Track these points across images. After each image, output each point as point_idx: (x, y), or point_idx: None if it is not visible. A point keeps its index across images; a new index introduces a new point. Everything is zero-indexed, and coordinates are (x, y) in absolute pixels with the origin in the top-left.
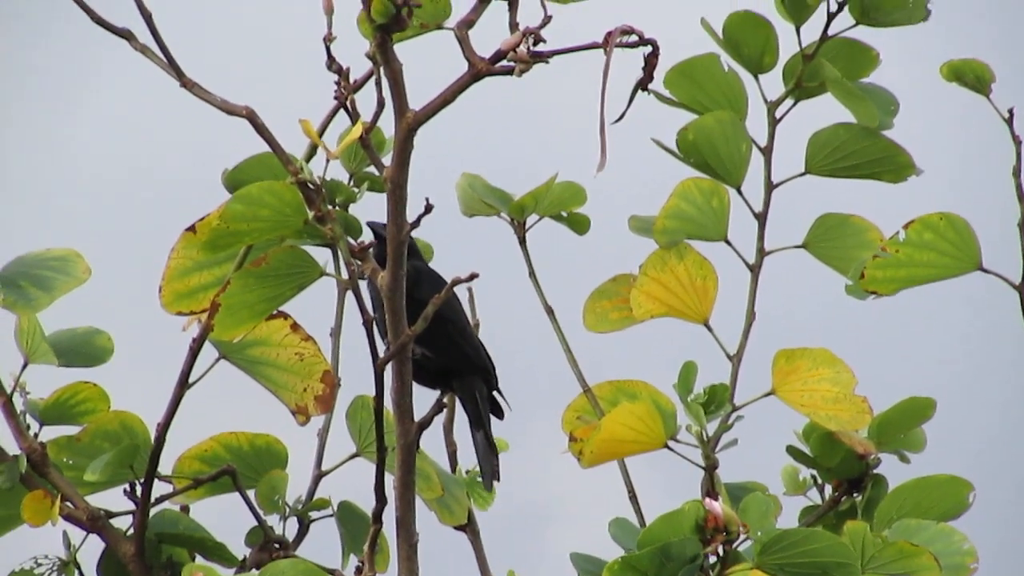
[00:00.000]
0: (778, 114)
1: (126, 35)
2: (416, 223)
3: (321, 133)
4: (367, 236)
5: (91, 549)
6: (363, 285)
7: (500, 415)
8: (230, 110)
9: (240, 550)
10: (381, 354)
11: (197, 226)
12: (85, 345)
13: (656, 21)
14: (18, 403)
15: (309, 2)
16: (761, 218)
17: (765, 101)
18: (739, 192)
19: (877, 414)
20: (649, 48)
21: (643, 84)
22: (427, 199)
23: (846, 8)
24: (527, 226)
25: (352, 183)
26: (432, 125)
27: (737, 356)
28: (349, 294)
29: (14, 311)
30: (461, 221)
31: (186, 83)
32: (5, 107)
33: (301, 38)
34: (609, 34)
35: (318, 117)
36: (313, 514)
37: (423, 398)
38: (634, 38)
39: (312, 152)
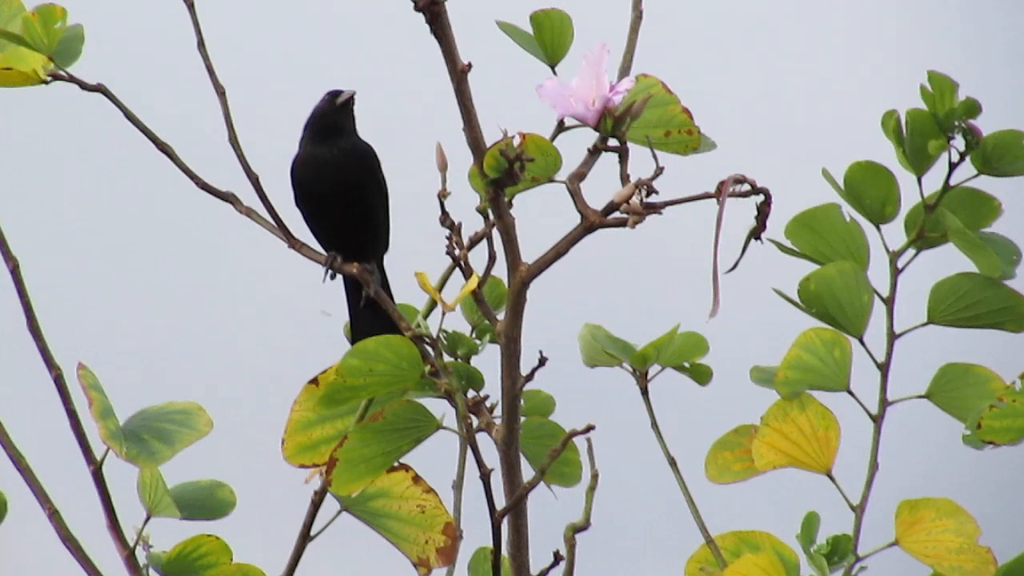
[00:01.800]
0: (900, 264)
1: (230, 199)
2: (530, 376)
3: (440, 287)
4: (488, 388)
5: None
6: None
7: None
8: (340, 269)
9: None
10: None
11: (319, 379)
12: (207, 498)
13: (772, 169)
14: (141, 556)
15: (421, 157)
16: (883, 368)
17: (887, 251)
18: (861, 342)
19: (1001, 564)
20: (762, 197)
21: (756, 233)
22: (540, 352)
23: (968, 158)
24: (649, 376)
25: (474, 335)
26: (545, 276)
27: (860, 506)
28: None
29: (137, 464)
30: (582, 371)
31: (294, 244)
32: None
33: (413, 191)
34: (722, 183)
35: (430, 268)
36: None
37: (538, 551)
38: (747, 187)
39: (431, 306)
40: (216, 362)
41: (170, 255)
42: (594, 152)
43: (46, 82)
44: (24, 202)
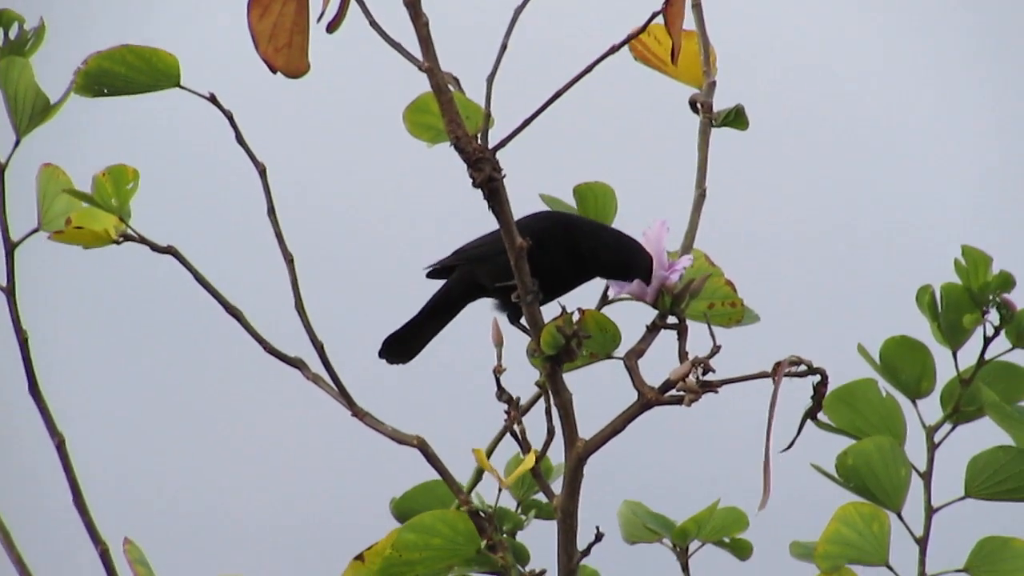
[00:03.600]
0: (936, 438)
1: (298, 364)
2: (586, 551)
3: (487, 456)
4: (535, 563)
5: None
6: None
7: None
8: (401, 439)
9: None
10: None
11: (365, 555)
12: None
13: (813, 347)
14: None
15: (476, 333)
16: (922, 543)
17: (923, 425)
18: (899, 516)
19: None
20: (818, 377)
21: (812, 413)
22: (597, 527)
23: (1003, 332)
24: (689, 552)
25: (520, 510)
26: (603, 451)
27: None
28: None
29: None
30: (623, 548)
31: (357, 412)
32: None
33: (469, 367)
34: (778, 364)
35: (485, 443)
36: None
37: None
38: (803, 367)
39: (477, 478)
40: (265, 534)
41: (228, 420)
42: (653, 329)
43: (117, 242)
44: (79, 365)
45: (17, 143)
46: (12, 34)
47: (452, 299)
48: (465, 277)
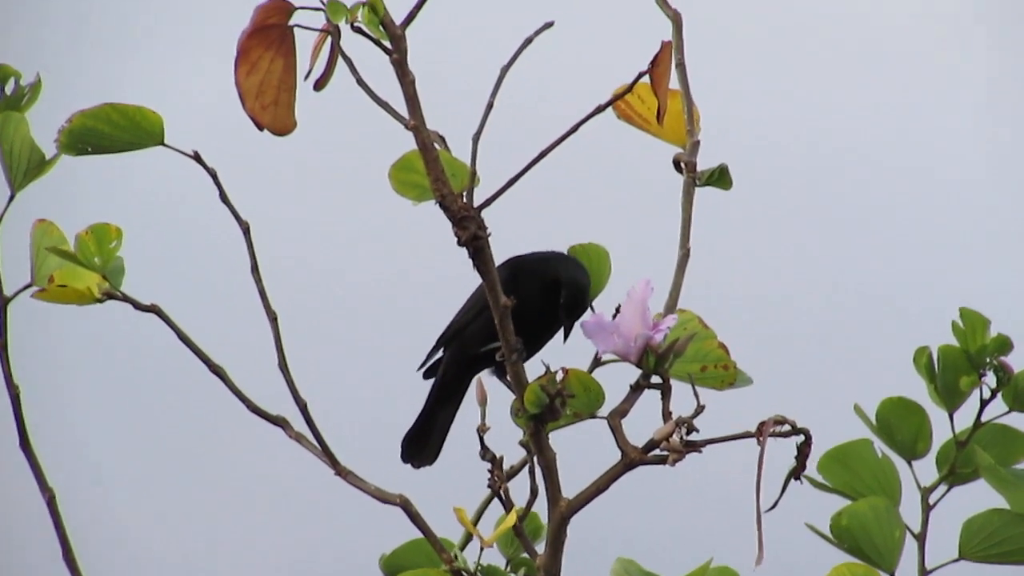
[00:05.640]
0: (931, 499)
1: (281, 423)
2: None
3: (477, 520)
4: None
5: None
6: None
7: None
8: (384, 498)
9: None
10: None
11: None
12: None
13: (809, 407)
14: None
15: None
16: None
17: (918, 486)
18: None
19: None
20: (802, 437)
21: (796, 473)
22: None
23: (999, 394)
24: None
25: (509, 568)
26: (586, 511)
27: None
28: None
29: None
30: None
31: (340, 471)
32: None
33: (456, 424)
34: (763, 424)
35: (470, 503)
36: None
37: None
38: (787, 427)
39: (467, 539)
40: None
41: (215, 479)
42: (636, 389)
43: (100, 301)
44: (66, 422)
45: (12, 198)
46: (9, 89)
47: (450, 380)
48: (455, 354)
